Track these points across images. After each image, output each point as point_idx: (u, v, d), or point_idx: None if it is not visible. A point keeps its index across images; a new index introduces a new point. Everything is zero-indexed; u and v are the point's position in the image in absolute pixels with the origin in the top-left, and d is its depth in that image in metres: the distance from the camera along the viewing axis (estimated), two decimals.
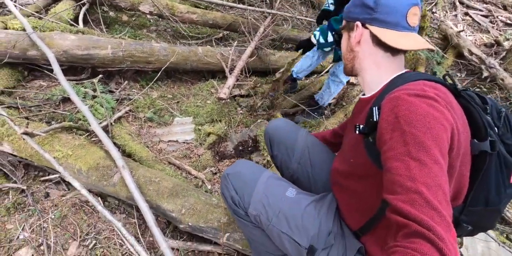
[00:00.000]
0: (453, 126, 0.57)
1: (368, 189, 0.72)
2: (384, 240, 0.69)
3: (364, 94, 0.81)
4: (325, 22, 1.72)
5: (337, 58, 1.83)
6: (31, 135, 1.28)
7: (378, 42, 0.72)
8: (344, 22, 0.81)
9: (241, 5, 2.81)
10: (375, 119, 0.63)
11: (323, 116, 2.29)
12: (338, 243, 0.77)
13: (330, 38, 1.56)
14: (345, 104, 2.45)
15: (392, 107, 0.59)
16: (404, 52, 0.75)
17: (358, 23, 0.74)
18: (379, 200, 0.68)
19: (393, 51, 0.73)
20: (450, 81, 0.70)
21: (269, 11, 2.83)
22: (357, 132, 0.68)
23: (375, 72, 0.76)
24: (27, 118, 1.46)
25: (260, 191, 0.86)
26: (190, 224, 1.25)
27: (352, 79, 2.78)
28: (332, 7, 1.79)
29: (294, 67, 2.27)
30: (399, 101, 0.58)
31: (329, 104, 2.49)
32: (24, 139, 1.28)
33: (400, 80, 0.69)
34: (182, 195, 1.33)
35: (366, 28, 0.73)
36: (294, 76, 2.32)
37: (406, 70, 0.75)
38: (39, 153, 1.28)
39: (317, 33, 1.61)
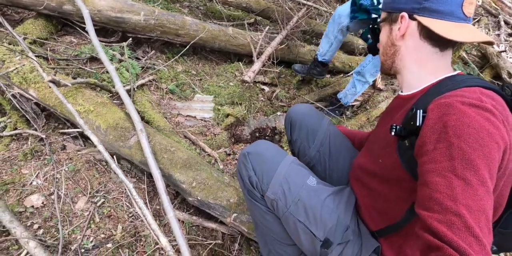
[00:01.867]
0: (507, 145, 0.53)
1: (394, 194, 0.70)
2: (400, 247, 0.69)
3: (401, 92, 0.78)
4: None
5: (365, 37, 1.79)
6: (57, 84, 1.33)
7: (426, 35, 0.68)
8: (384, 14, 0.76)
9: None
10: (417, 124, 0.58)
11: (344, 116, 2.30)
12: (354, 240, 0.77)
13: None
14: (369, 108, 2.45)
15: (441, 115, 0.54)
16: (452, 48, 0.70)
17: (404, 14, 0.69)
18: (404, 208, 0.66)
19: (443, 46, 0.68)
20: (509, 92, 0.63)
21: (304, 2, 2.85)
22: (392, 133, 0.64)
23: (419, 70, 0.71)
24: (54, 70, 1.51)
25: (281, 175, 0.85)
26: (199, 198, 1.29)
27: (380, 84, 2.79)
28: None
29: (318, 51, 2.18)
30: (451, 109, 0.54)
31: (352, 106, 2.51)
32: (50, 87, 1.32)
33: (452, 83, 0.64)
34: (195, 168, 1.36)
35: (413, 19, 0.68)
36: (320, 59, 2.17)
37: (458, 71, 0.71)
38: (62, 103, 1.32)
39: None
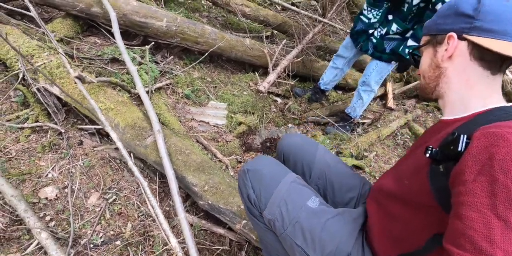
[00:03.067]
0: None
1: (415, 221, 0.66)
2: None
3: (443, 116, 0.75)
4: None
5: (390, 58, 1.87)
6: (83, 80, 1.40)
7: (478, 55, 0.66)
8: (426, 38, 0.77)
9: (295, 8, 2.99)
10: (459, 149, 0.54)
11: (355, 133, 2.36)
12: None
13: None
14: (379, 126, 2.52)
15: (488, 145, 0.51)
16: (503, 72, 0.69)
17: (453, 33, 0.68)
18: (423, 238, 0.63)
19: (495, 68, 0.66)
20: None
21: (320, 19, 2.99)
22: (427, 155, 0.61)
23: (466, 93, 0.69)
24: (80, 67, 1.60)
25: (279, 195, 0.84)
26: (210, 202, 1.32)
27: (391, 104, 2.87)
28: None
29: (321, 79, 2.40)
30: (500, 141, 0.50)
31: (363, 123, 2.57)
32: (75, 83, 1.40)
33: (503, 113, 0.61)
34: (208, 172, 1.41)
35: (463, 39, 0.67)
36: (322, 87, 2.43)
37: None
38: (85, 99, 1.39)
39: None
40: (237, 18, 3.01)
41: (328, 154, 1.07)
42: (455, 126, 0.66)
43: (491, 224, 0.46)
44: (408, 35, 1.71)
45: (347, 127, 2.31)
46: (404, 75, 3.16)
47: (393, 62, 1.89)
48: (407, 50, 1.64)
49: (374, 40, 1.85)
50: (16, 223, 1.12)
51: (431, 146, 0.61)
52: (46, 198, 1.21)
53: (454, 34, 0.68)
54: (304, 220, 0.80)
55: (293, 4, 3.39)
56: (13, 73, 1.44)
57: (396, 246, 0.70)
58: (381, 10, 1.77)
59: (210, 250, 1.27)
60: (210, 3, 3.06)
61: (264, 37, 2.69)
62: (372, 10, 1.81)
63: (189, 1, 2.92)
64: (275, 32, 3.07)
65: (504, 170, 0.47)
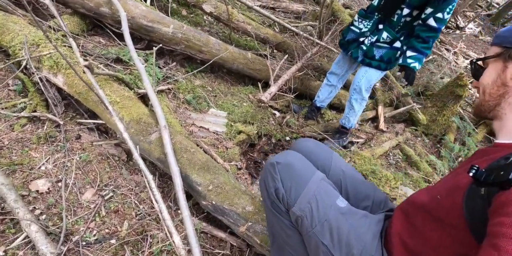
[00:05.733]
0: None
1: (437, 238, 0.66)
2: None
3: (496, 139, 0.73)
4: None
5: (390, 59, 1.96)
6: (91, 70, 1.42)
7: None
8: (497, 49, 0.72)
9: (295, 28, 3.23)
10: (510, 177, 0.52)
11: (351, 150, 2.46)
12: None
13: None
14: (373, 146, 2.65)
15: None
16: None
17: None
18: None
19: None
20: None
21: (318, 41, 3.25)
22: (470, 173, 0.58)
23: None
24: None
25: (311, 191, 0.84)
26: (214, 202, 1.31)
27: (382, 126, 3.05)
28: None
29: (317, 97, 2.56)
30: None
31: (357, 142, 2.69)
32: (84, 72, 1.41)
33: None
34: (213, 172, 1.41)
35: None
36: (318, 104, 2.58)
37: None
38: (89, 92, 1.40)
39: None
40: (237, 35, 3.19)
41: (342, 161, 1.09)
42: (510, 151, 0.63)
43: None
44: (395, 44, 1.87)
45: (344, 138, 2.40)
46: (394, 100, 3.40)
47: (381, 70, 2.01)
48: (409, 60, 1.76)
49: (364, 47, 1.96)
50: (1, 216, 1.05)
51: (477, 166, 0.58)
52: (37, 191, 1.16)
53: None
54: (332, 219, 0.81)
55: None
56: (15, 60, 1.44)
57: None
58: (371, 21, 1.91)
59: (210, 253, 1.23)
60: (212, 19, 3.24)
61: (265, 53, 2.86)
62: (364, 21, 1.96)
63: (191, 15, 3.09)
64: (275, 51, 3.27)
65: None
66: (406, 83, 1.83)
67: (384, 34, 1.87)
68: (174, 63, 2.26)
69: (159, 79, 1.95)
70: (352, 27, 2.04)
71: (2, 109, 1.34)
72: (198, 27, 3.04)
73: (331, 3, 3.66)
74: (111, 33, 2.00)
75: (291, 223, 0.87)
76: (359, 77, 2.09)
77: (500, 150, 0.66)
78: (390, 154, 2.71)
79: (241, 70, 2.55)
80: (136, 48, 2.13)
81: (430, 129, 3.24)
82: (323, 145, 1.13)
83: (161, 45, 2.20)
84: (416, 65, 1.74)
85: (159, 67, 2.13)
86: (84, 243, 1.08)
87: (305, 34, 3.21)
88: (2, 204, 1.06)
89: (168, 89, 2.00)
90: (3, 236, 1.01)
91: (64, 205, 1.14)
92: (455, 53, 5.61)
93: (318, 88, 2.87)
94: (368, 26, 1.93)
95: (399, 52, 1.90)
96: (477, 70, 0.78)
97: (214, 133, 1.95)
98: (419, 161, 2.61)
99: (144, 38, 2.19)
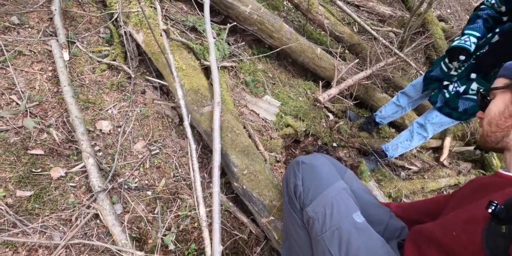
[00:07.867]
0: None
1: None
2: None
3: (505, 170, 0.76)
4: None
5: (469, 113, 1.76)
6: (168, 34, 1.61)
7: None
8: (505, 80, 0.76)
9: (375, 33, 3.19)
10: None
11: (401, 178, 2.41)
12: None
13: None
14: (426, 177, 2.56)
15: None
16: None
17: None
18: None
19: None
20: None
21: (397, 51, 3.17)
22: (489, 210, 0.60)
23: None
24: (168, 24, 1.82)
25: (328, 196, 0.87)
26: (244, 187, 1.42)
27: (444, 160, 2.92)
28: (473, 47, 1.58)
29: (379, 111, 2.50)
30: None
31: (409, 169, 2.63)
32: (161, 35, 1.60)
33: None
34: (251, 158, 1.52)
35: None
36: (377, 120, 2.52)
37: None
38: (161, 54, 1.58)
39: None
40: (312, 28, 3.25)
41: (356, 181, 1.10)
42: None
43: None
44: None
45: (373, 163, 2.34)
46: (467, 135, 3.20)
47: (460, 120, 1.85)
48: None
49: (447, 95, 1.79)
50: (69, 142, 1.28)
51: (496, 202, 0.60)
52: (101, 130, 1.37)
53: None
54: (345, 230, 0.83)
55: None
56: (109, 12, 1.68)
57: None
58: (465, 64, 1.69)
59: (229, 233, 1.36)
60: (291, 6, 3.33)
61: (336, 52, 2.88)
62: (457, 62, 1.71)
63: None
64: (347, 51, 3.27)
65: None
66: None
67: (474, 85, 1.65)
68: (243, 43, 2.40)
69: (225, 55, 2.11)
70: (442, 63, 1.82)
71: (91, 52, 1.58)
72: (276, 11, 3.16)
73: (424, 13, 3.53)
74: (193, 2, 2.19)
75: (303, 222, 0.92)
76: (432, 116, 1.94)
77: (510, 184, 0.69)
78: (444, 192, 2.60)
79: (306, 64, 2.62)
80: (212, 21, 2.31)
81: None
82: (337, 162, 1.14)
83: (235, 23, 2.37)
84: None
85: (228, 43, 2.29)
86: (126, 186, 1.27)
87: (384, 41, 3.16)
88: (72, 133, 1.28)
89: (232, 66, 2.15)
90: (68, 160, 1.24)
91: (118, 148, 1.34)
92: None
93: (382, 101, 2.84)
94: (459, 70, 1.72)
95: None
96: (483, 101, 0.82)
97: (263, 119, 2.06)
98: None
99: (221, 12, 2.36)
